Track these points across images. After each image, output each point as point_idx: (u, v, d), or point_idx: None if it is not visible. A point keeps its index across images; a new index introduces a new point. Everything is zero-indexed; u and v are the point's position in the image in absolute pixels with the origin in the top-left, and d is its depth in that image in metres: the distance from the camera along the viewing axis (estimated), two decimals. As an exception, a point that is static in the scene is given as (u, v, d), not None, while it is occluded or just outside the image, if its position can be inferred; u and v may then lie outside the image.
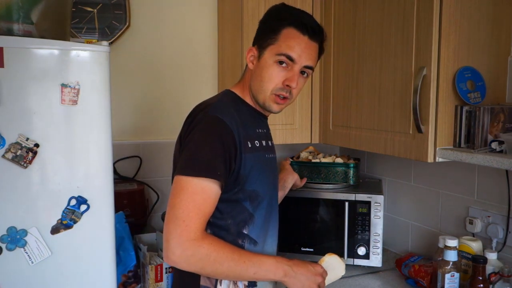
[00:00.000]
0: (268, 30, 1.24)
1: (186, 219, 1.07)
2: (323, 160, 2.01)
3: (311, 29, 1.22)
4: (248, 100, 1.30)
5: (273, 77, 1.22)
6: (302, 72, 1.24)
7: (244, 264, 1.13)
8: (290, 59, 1.21)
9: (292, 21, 1.21)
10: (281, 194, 1.62)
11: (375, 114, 1.68)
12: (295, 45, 1.21)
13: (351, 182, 1.96)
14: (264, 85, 1.23)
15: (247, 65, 1.30)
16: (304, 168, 2.00)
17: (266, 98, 1.24)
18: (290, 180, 1.68)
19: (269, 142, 1.34)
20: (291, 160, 2.03)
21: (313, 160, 2.01)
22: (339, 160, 2.00)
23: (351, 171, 1.95)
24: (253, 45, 1.28)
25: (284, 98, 1.24)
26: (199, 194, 1.10)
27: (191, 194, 1.09)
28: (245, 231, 1.23)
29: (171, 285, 1.66)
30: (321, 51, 1.29)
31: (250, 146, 1.21)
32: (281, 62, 1.21)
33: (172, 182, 1.26)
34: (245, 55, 1.29)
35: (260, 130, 1.29)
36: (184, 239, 1.07)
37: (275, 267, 1.17)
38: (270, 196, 1.30)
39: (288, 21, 1.21)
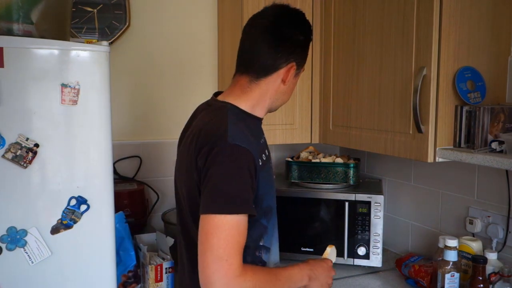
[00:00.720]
0: (307, 49, 1.26)
1: (228, 258, 1.04)
2: (323, 160, 2.01)
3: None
4: (257, 111, 1.24)
5: (293, 89, 1.32)
6: None
7: (280, 282, 1.17)
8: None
9: (311, 37, 1.28)
10: None
11: (375, 114, 1.68)
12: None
13: (351, 182, 1.96)
14: (289, 97, 1.31)
15: (266, 76, 1.21)
16: (304, 168, 1.99)
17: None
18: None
19: (268, 150, 1.30)
20: (291, 160, 2.03)
21: (313, 160, 2.01)
22: (339, 160, 2.00)
23: (351, 171, 1.95)
24: (291, 60, 1.21)
25: None
26: (235, 230, 1.06)
27: (228, 231, 1.05)
28: (261, 243, 1.25)
29: (171, 285, 1.66)
30: None
31: (261, 163, 1.17)
32: None
33: (180, 198, 1.26)
34: (284, 72, 1.21)
35: (262, 141, 1.26)
36: (230, 277, 1.04)
37: (301, 276, 1.23)
38: (275, 206, 1.32)
39: (311, 37, 1.28)
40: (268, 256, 1.28)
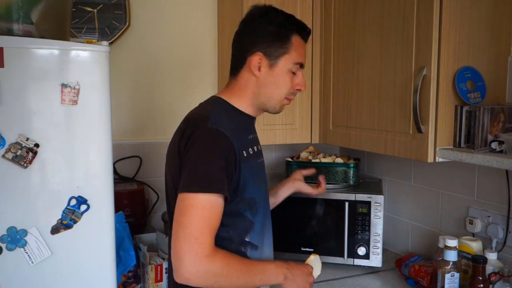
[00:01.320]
0: (275, 38, 1.26)
1: (199, 236, 1.08)
2: (323, 160, 2.01)
3: (308, 36, 1.32)
4: (244, 106, 1.30)
5: (287, 84, 1.28)
6: None
7: (252, 273, 1.18)
8: (302, 66, 1.30)
9: (297, 30, 1.28)
10: (272, 202, 1.58)
11: (375, 114, 1.68)
12: (303, 52, 1.30)
13: (351, 182, 1.96)
14: (280, 91, 1.28)
15: (239, 70, 1.29)
16: (304, 168, 1.99)
17: (278, 102, 1.30)
18: (285, 189, 1.64)
19: (258, 147, 1.35)
20: (291, 160, 2.03)
21: (313, 160, 2.01)
22: (339, 160, 2.00)
23: (351, 171, 1.95)
24: (252, 50, 1.26)
25: (290, 100, 1.32)
26: (208, 210, 1.10)
27: (200, 211, 1.10)
28: (247, 239, 1.26)
29: None
30: None
31: (245, 155, 1.22)
32: (293, 71, 1.28)
33: (167, 189, 1.29)
34: (250, 63, 1.26)
35: (251, 136, 1.31)
36: (200, 256, 1.08)
37: (276, 272, 1.23)
38: (264, 201, 1.33)
39: (295, 30, 1.28)
40: (257, 254, 1.29)
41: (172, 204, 1.22)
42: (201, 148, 1.14)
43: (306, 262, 1.37)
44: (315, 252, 1.88)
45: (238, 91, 1.29)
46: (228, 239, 1.22)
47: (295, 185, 1.64)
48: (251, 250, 1.28)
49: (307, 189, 1.64)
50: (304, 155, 2.10)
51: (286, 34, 1.26)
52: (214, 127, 1.16)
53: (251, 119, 1.33)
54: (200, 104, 1.31)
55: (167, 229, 1.95)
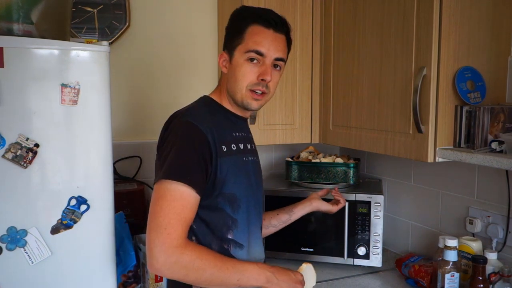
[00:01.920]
0: (234, 32, 1.27)
1: (167, 226, 1.08)
2: (323, 160, 2.01)
3: (274, 21, 1.25)
4: (226, 104, 1.32)
5: (247, 75, 1.24)
6: (275, 66, 1.27)
7: (228, 271, 1.14)
8: (259, 53, 1.23)
9: (254, 18, 1.25)
10: (285, 218, 1.59)
11: (375, 114, 1.68)
12: (262, 39, 1.24)
13: (351, 182, 1.96)
14: (240, 83, 1.25)
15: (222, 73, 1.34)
16: (304, 168, 2.00)
17: (243, 95, 1.26)
18: (301, 207, 1.61)
19: (249, 145, 1.35)
20: (291, 160, 2.03)
21: (313, 160, 2.01)
22: (339, 160, 2.00)
23: (351, 171, 1.95)
24: (223, 50, 1.31)
25: (262, 93, 1.26)
26: (178, 201, 1.11)
27: (170, 201, 1.10)
28: (229, 236, 1.24)
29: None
30: (289, 42, 1.32)
31: (225, 150, 1.22)
32: (252, 59, 1.24)
33: None
34: (218, 61, 1.31)
35: (238, 134, 1.31)
36: (167, 246, 1.08)
37: (257, 274, 1.19)
38: (247, 199, 1.29)
39: (251, 19, 1.25)
40: (243, 254, 1.26)
41: None
42: (173, 140, 1.17)
43: (298, 270, 1.31)
44: (314, 251, 1.88)
45: (219, 90, 1.33)
46: (209, 235, 1.22)
47: (313, 204, 1.62)
48: (235, 248, 1.26)
49: (327, 207, 1.62)
50: (304, 155, 2.10)
51: (241, 25, 1.26)
52: (187, 120, 1.19)
53: (238, 118, 1.34)
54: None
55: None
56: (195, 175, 1.14)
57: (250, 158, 1.33)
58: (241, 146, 1.30)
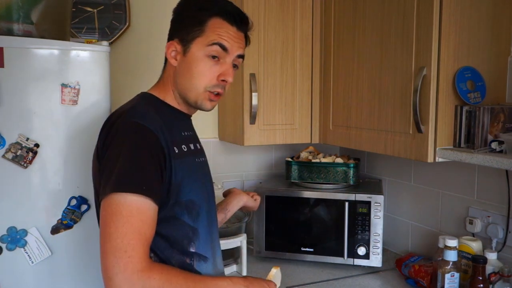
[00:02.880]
0: (191, 22, 1.13)
1: (127, 249, 0.92)
2: (323, 160, 2.01)
3: (239, 18, 1.15)
4: (170, 100, 1.17)
5: (205, 73, 1.12)
6: (234, 65, 1.17)
7: None
8: (224, 48, 1.12)
9: (218, 11, 1.13)
10: (221, 217, 1.44)
11: (375, 114, 1.68)
12: (226, 34, 1.12)
13: (351, 182, 1.96)
14: (196, 82, 1.13)
15: (166, 62, 1.20)
16: (304, 168, 1.99)
17: (198, 95, 1.14)
18: (235, 202, 1.50)
19: (197, 145, 1.22)
20: (291, 160, 2.03)
21: (313, 160, 2.01)
22: (339, 160, 2.00)
23: (351, 171, 1.95)
24: (172, 38, 1.16)
25: (218, 94, 1.16)
26: (135, 216, 0.94)
27: (126, 218, 0.93)
28: (191, 249, 1.12)
29: None
30: (247, 41, 1.21)
31: (177, 151, 1.08)
32: (213, 56, 1.12)
33: (95, 199, 1.14)
34: (166, 51, 1.16)
35: (185, 133, 1.17)
36: (129, 272, 0.91)
37: None
38: (207, 204, 1.18)
39: (214, 11, 1.12)
40: (206, 267, 1.15)
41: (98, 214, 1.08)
42: (121, 145, 1.00)
43: (268, 277, 1.21)
44: (314, 251, 1.88)
45: (163, 85, 1.18)
46: (168, 250, 1.07)
47: (243, 199, 1.51)
48: (199, 262, 1.13)
49: (253, 203, 1.54)
50: (304, 155, 2.10)
51: (202, 17, 1.12)
52: (135, 120, 1.02)
53: (184, 115, 1.20)
54: (126, 102, 1.18)
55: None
56: (152, 183, 0.98)
57: (201, 159, 1.21)
58: (192, 146, 1.17)
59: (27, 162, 1.32)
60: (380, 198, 1.83)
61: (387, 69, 1.61)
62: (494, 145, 1.37)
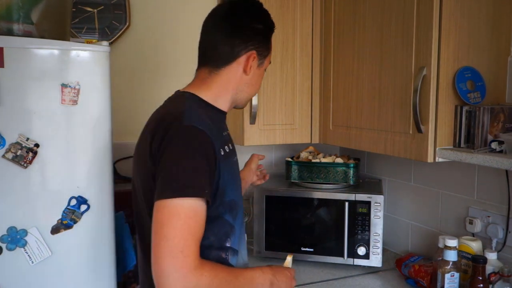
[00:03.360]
0: (268, 39, 1.24)
1: (184, 249, 0.97)
2: (323, 160, 2.01)
3: None
4: (218, 102, 1.21)
5: (260, 82, 1.28)
6: None
7: (240, 283, 1.10)
8: None
9: (273, 29, 1.26)
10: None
11: (375, 114, 1.68)
12: None
13: (351, 182, 1.96)
14: (256, 90, 1.27)
15: (225, 65, 1.19)
16: (304, 168, 1.99)
17: (249, 101, 1.32)
18: (249, 179, 1.66)
19: (232, 144, 1.25)
20: (291, 160, 2.03)
21: (313, 160, 2.01)
22: (339, 160, 2.00)
23: (351, 171, 1.95)
24: (250, 48, 1.19)
25: None
26: (192, 218, 0.99)
27: (184, 220, 0.98)
28: (227, 244, 1.17)
29: None
30: None
31: (223, 154, 1.12)
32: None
33: (137, 199, 1.19)
34: (244, 61, 1.19)
35: (225, 133, 1.21)
36: (186, 271, 0.96)
37: (263, 279, 1.16)
38: (241, 202, 1.25)
39: (272, 30, 1.26)
40: (236, 260, 1.21)
41: (141, 207, 1.15)
42: (177, 149, 1.03)
43: (284, 265, 1.30)
44: (314, 251, 1.88)
45: (219, 86, 1.19)
46: (208, 246, 1.11)
47: (248, 182, 1.66)
48: (233, 256, 1.19)
49: (258, 182, 1.72)
50: (304, 155, 2.10)
51: (269, 34, 1.24)
52: (190, 124, 1.05)
53: (224, 115, 1.24)
54: (169, 101, 1.22)
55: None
56: (206, 187, 1.03)
57: (235, 159, 1.25)
58: (230, 146, 1.21)
59: (27, 162, 1.32)
60: (380, 198, 1.83)
61: (387, 69, 1.61)
62: (494, 145, 1.37)
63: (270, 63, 1.29)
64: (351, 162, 1.98)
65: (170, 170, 1.02)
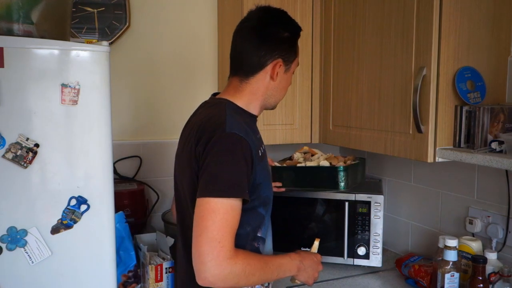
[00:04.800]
0: (293, 45, 1.31)
1: (221, 240, 1.09)
2: (309, 163, 1.85)
3: None
4: (252, 108, 1.31)
5: (289, 84, 1.36)
6: None
7: (270, 270, 1.21)
8: None
9: (299, 34, 1.33)
10: None
11: (375, 114, 1.68)
12: None
13: (341, 188, 1.77)
14: (284, 92, 1.35)
15: (254, 74, 1.28)
16: (290, 172, 1.83)
17: (279, 102, 1.38)
18: None
19: (264, 146, 1.34)
20: (277, 165, 1.97)
21: (298, 165, 1.85)
22: (326, 162, 1.84)
23: (340, 175, 1.76)
24: (276, 57, 1.27)
25: None
26: (230, 214, 1.12)
27: (223, 215, 1.10)
28: (259, 234, 1.29)
29: (171, 285, 1.66)
30: None
31: (260, 155, 1.24)
32: None
33: (180, 196, 1.31)
34: (271, 69, 1.27)
35: (258, 136, 1.31)
36: (222, 259, 1.09)
37: (291, 265, 1.28)
38: (272, 197, 1.35)
39: (299, 35, 1.33)
40: (264, 248, 1.32)
41: (185, 207, 1.27)
42: (220, 153, 1.15)
43: (312, 250, 1.42)
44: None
45: (249, 94, 1.29)
46: (244, 236, 1.24)
47: None
48: (262, 244, 1.31)
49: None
50: (297, 156, 2.06)
51: (296, 40, 1.32)
52: (232, 131, 1.17)
53: (255, 118, 1.34)
54: (209, 108, 1.30)
55: (167, 229, 1.96)
56: (244, 186, 1.15)
57: (266, 159, 1.35)
58: (263, 148, 1.31)
59: (27, 162, 1.32)
60: (380, 198, 1.83)
61: (387, 69, 1.61)
62: (494, 145, 1.37)
63: (298, 65, 1.35)
64: (340, 165, 1.77)
65: (212, 172, 1.14)
